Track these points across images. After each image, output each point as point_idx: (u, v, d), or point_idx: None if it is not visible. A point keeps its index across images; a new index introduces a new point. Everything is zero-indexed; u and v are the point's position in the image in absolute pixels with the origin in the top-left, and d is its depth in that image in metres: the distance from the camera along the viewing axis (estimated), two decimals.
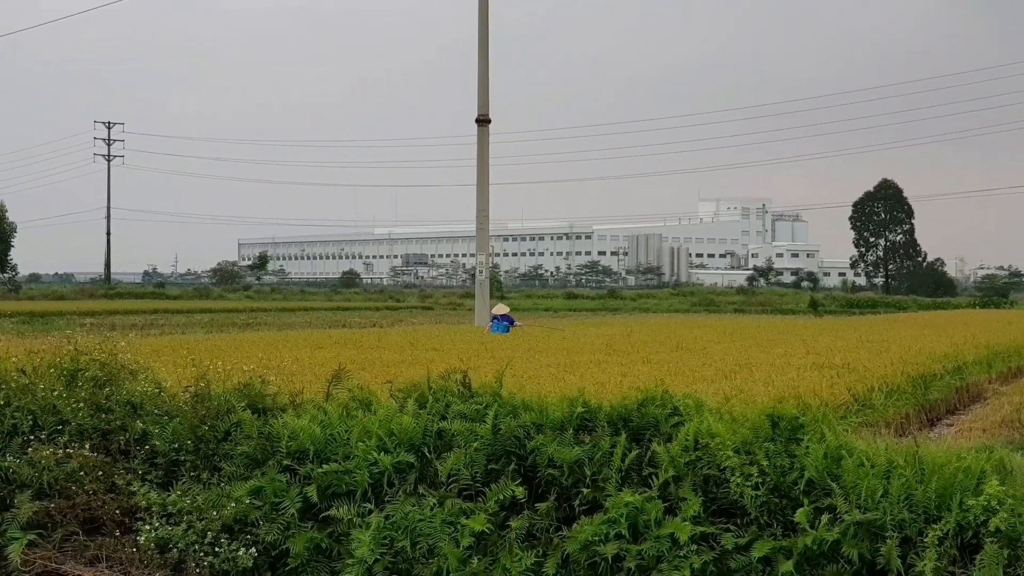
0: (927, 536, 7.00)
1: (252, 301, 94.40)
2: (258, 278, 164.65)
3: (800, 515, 7.43)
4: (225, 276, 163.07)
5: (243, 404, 10.06)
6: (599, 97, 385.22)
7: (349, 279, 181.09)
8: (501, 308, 38.58)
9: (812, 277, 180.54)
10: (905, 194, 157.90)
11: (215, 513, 9.05)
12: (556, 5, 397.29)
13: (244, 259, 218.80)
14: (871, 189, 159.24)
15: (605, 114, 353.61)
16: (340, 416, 9.55)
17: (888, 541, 7.10)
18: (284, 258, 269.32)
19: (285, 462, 9.27)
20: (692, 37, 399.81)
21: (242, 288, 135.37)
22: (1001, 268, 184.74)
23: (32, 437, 10.39)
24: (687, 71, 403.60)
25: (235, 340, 27.46)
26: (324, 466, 8.95)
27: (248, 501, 9.07)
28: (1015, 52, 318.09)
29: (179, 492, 9.43)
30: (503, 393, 9.48)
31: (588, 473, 8.31)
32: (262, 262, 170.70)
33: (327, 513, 8.76)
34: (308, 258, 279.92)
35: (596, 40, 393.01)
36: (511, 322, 36.43)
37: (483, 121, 45.89)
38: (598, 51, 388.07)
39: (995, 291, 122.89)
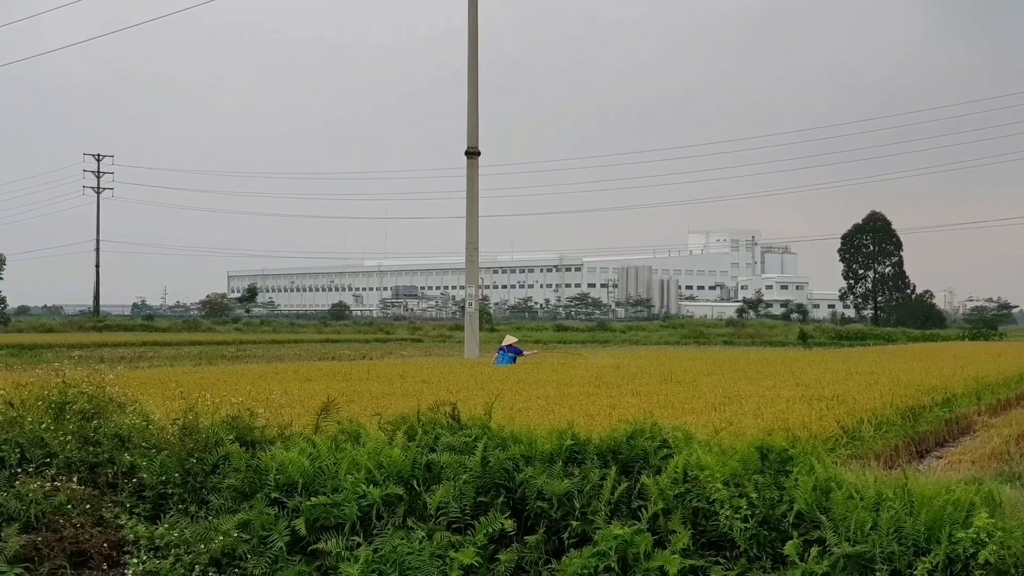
0: (916, 569, 7.00)
1: (241, 333, 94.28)
2: (247, 310, 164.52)
3: (790, 547, 7.43)
4: (214, 308, 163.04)
5: (231, 437, 10.05)
6: (588, 129, 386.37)
7: (339, 311, 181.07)
8: (509, 339, 38.64)
9: (801, 309, 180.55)
10: (894, 226, 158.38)
11: (203, 546, 9.01)
12: (545, 39, 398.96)
13: (233, 291, 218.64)
14: (860, 221, 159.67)
15: (594, 146, 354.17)
16: (329, 449, 9.54)
17: (878, 574, 7.10)
18: (273, 290, 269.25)
19: (273, 495, 9.25)
20: (682, 71, 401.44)
21: (231, 320, 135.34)
22: (990, 300, 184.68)
23: (20, 470, 10.36)
24: (676, 104, 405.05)
25: (224, 372, 27.38)
26: (313, 499, 8.92)
27: (236, 534, 9.04)
28: (1003, 86, 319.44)
29: (167, 525, 9.40)
30: (492, 425, 9.48)
31: (577, 506, 8.30)
32: (251, 294, 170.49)
33: (315, 546, 8.73)
34: (298, 290, 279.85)
35: (586, 73, 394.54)
36: (518, 353, 36.49)
37: (472, 154, 45.96)
38: (588, 84, 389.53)
39: (984, 323, 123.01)
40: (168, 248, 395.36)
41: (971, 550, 6.93)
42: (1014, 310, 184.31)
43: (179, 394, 12.65)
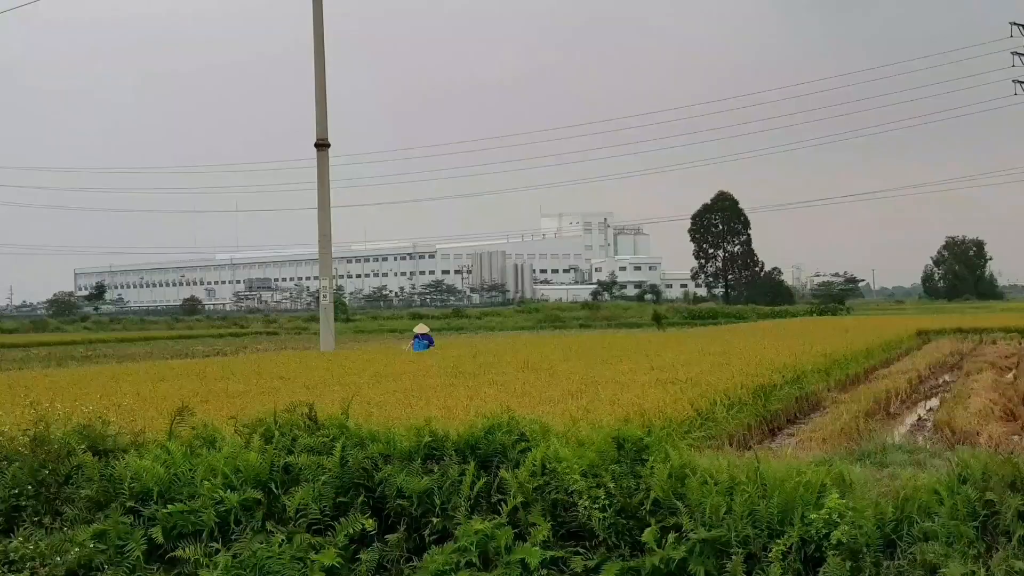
0: (771, 551, 7.14)
1: (90, 332, 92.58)
2: (96, 308, 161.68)
3: (647, 535, 7.52)
4: (62, 307, 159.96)
5: (84, 446, 9.86)
6: (439, 116, 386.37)
7: (191, 306, 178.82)
8: (422, 328, 40.88)
9: (655, 290, 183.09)
10: (741, 205, 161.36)
11: (58, 559, 8.84)
12: (392, 25, 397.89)
13: (81, 289, 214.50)
14: (708, 201, 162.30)
15: (445, 134, 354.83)
16: (184, 455, 9.41)
17: (734, 558, 7.23)
18: (122, 287, 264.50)
19: (129, 504, 9.09)
20: (532, 52, 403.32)
21: (80, 319, 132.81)
22: (836, 275, 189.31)
23: None
24: (527, 86, 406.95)
25: (74, 375, 26.82)
26: (169, 506, 8.80)
27: (92, 545, 8.88)
28: (846, 65, 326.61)
29: (21, 538, 9.20)
30: (350, 424, 9.44)
31: (438, 502, 8.31)
32: (99, 292, 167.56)
33: (173, 554, 8.61)
34: (148, 286, 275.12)
35: (436, 58, 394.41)
36: (431, 341, 38.81)
37: (322, 145, 45.54)
38: (436, 67, 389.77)
39: (831, 298, 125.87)
40: (13, 247, 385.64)
41: (824, 531, 7.08)
42: (860, 284, 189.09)
43: (29, 403, 12.38)
